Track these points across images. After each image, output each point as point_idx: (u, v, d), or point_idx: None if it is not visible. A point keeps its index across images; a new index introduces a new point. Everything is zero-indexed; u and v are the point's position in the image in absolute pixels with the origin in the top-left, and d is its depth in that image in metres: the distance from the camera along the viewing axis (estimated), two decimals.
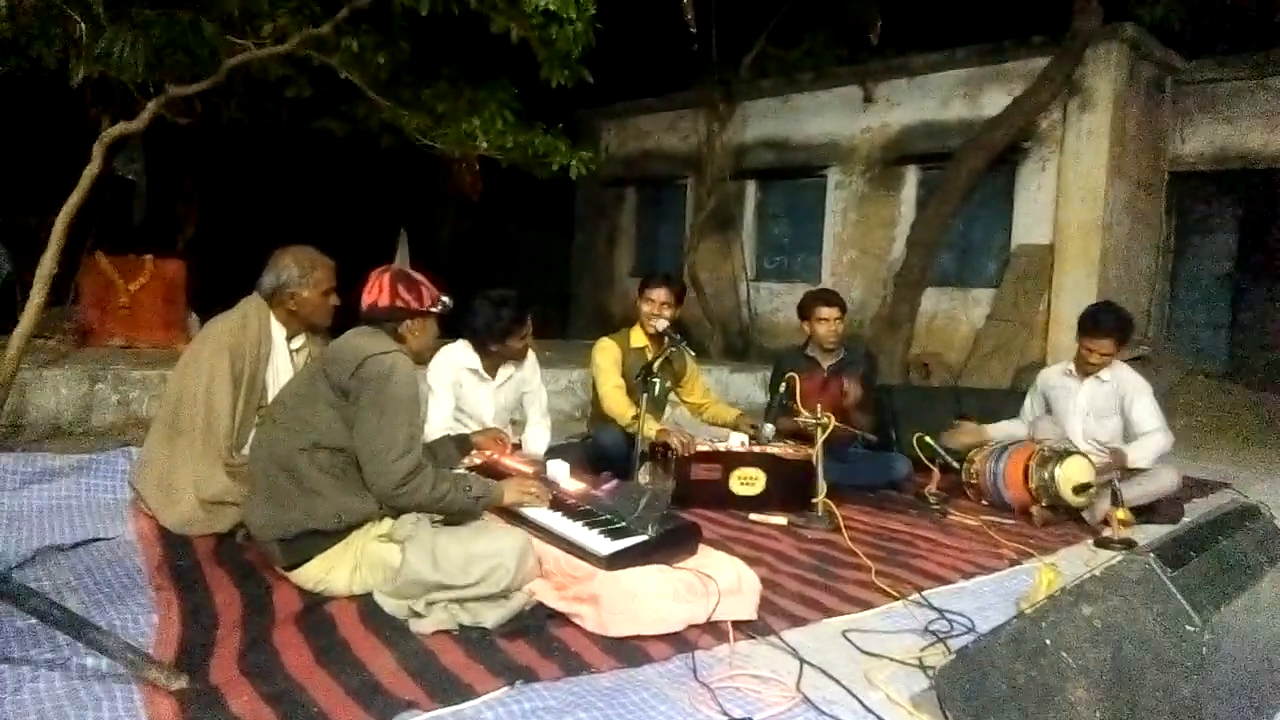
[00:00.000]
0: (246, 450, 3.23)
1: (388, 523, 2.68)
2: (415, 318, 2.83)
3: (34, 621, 2.12)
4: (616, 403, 4.31)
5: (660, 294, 4.43)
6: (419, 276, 2.91)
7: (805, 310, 4.85)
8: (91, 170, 4.34)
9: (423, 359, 2.86)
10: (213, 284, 5.92)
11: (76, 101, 5.98)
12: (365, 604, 2.57)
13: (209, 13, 5.27)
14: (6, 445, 4.18)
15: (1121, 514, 3.83)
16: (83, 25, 4.17)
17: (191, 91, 4.87)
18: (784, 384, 4.22)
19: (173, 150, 8.48)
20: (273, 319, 3.47)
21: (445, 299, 2.97)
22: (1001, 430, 4.80)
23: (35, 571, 2.76)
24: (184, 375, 3.35)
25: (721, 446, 4.18)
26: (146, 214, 8.76)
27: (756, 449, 4.19)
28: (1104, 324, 4.39)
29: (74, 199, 4.28)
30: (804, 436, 4.21)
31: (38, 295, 4.19)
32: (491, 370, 4.05)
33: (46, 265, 4.21)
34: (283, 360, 3.49)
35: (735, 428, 4.49)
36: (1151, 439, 4.29)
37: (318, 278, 3.44)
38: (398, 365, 2.63)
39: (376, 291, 2.80)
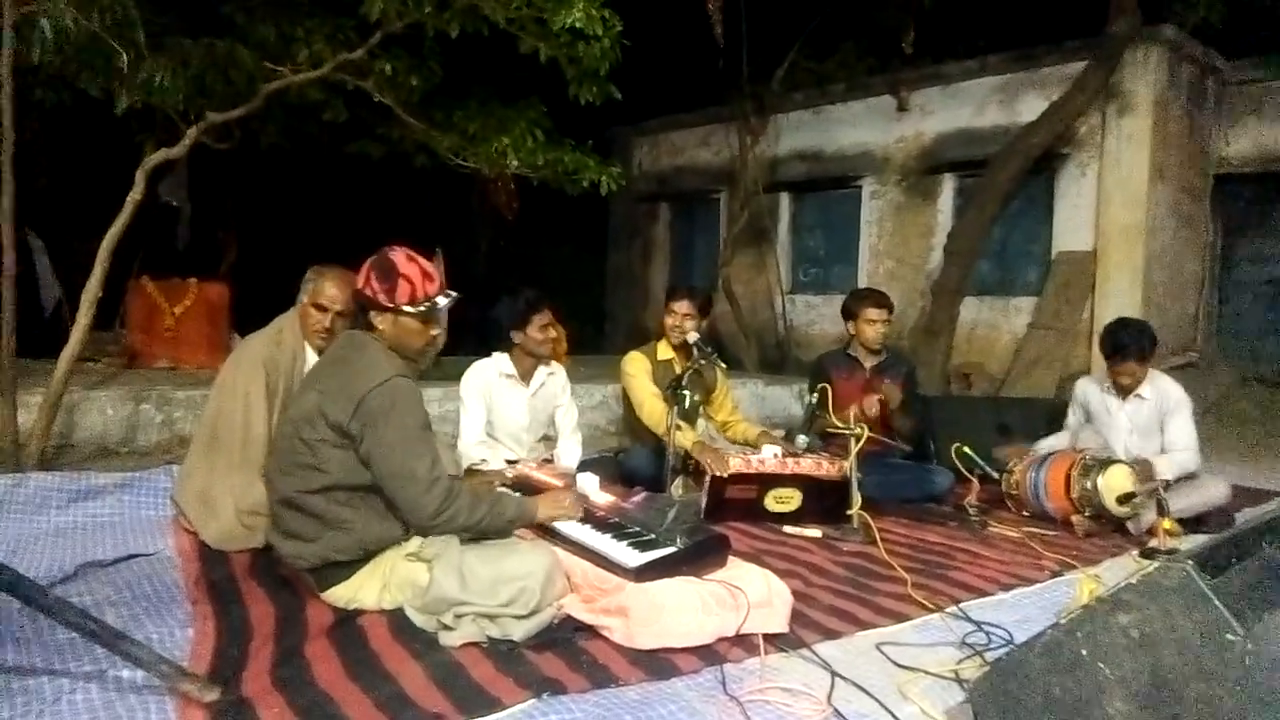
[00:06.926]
0: None
1: (416, 541, 2.65)
2: (384, 312, 2.62)
3: (73, 635, 2.17)
4: (656, 409, 4.27)
5: (682, 306, 4.42)
6: (407, 270, 2.61)
7: (852, 310, 4.76)
8: (134, 196, 4.44)
9: (410, 354, 2.68)
10: (254, 305, 6.03)
11: (121, 130, 6.14)
12: (395, 617, 2.58)
13: (246, 40, 5.41)
14: (54, 465, 4.28)
15: (1168, 524, 3.73)
16: (125, 56, 4.28)
17: (230, 117, 4.98)
18: (816, 394, 4.18)
19: (216, 176, 8.69)
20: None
21: (438, 298, 2.66)
22: (1049, 447, 4.63)
23: (77, 587, 2.83)
24: (222, 389, 3.44)
25: (754, 459, 4.09)
26: (191, 239, 8.96)
27: (791, 467, 4.06)
28: (1122, 348, 4.26)
29: (118, 224, 4.39)
30: (840, 443, 4.16)
31: (83, 318, 4.29)
32: (526, 376, 4.08)
33: (92, 289, 4.31)
34: None
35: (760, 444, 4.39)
36: (1178, 457, 4.20)
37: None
38: (397, 395, 2.50)
39: (358, 276, 2.66)
